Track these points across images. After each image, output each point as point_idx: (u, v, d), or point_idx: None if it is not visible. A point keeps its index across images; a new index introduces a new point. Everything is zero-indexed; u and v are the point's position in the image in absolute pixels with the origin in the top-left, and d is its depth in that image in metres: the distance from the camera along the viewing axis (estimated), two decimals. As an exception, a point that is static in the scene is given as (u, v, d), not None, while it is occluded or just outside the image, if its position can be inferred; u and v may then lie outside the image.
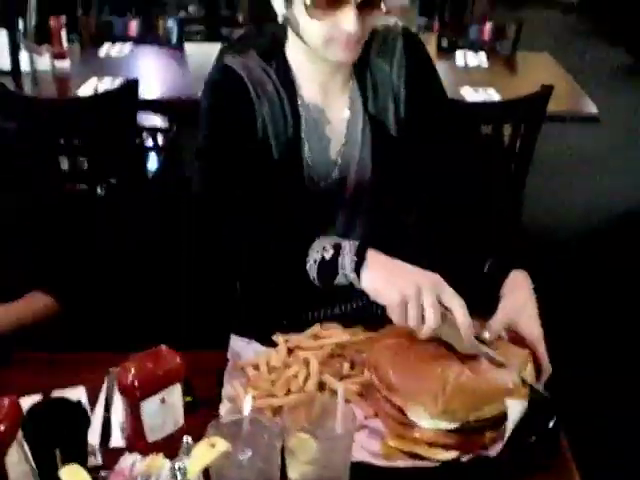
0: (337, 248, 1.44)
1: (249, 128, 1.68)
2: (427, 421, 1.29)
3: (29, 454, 1.18)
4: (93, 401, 1.44)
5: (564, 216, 4.49)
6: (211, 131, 1.72)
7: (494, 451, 1.29)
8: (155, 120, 3.87)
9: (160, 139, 3.82)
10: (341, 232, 1.75)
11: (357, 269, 1.41)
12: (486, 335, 1.43)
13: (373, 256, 1.43)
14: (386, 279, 1.40)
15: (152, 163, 3.71)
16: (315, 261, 1.45)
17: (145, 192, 3.30)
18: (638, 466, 2.70)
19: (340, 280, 1.44)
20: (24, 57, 3.63)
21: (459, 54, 3.89)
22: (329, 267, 1.44)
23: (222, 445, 1.10)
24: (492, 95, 3.29)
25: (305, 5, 1.49)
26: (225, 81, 1.69)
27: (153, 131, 3.81)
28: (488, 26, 4.10)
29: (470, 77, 3.58)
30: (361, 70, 1.73)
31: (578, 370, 2.99)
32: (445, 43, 4.23)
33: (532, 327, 1.48)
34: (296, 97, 1.70)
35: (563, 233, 4.32)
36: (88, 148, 3.15)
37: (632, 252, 4.06)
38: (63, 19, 3.70)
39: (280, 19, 1.60)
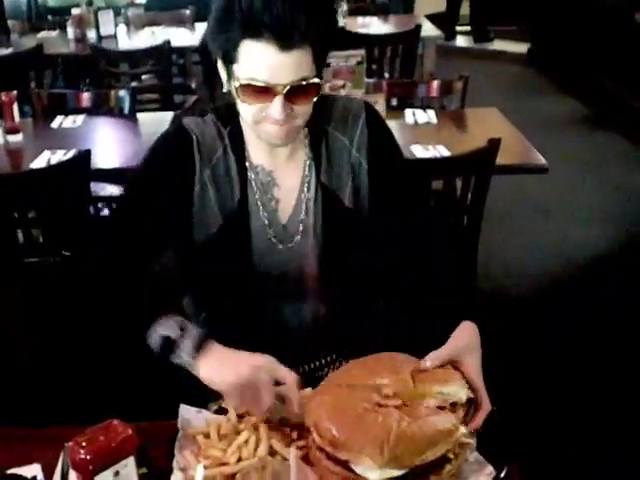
0: (183, 329, 1.52)
1: (183, 190, 1.71)
2: (374, 472, 1.29)
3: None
4: (50, 478, 1.42)
5: (517, 264, 4.54)
6: (137, 180, 1.77)
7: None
8: (111, 190, 3.88)
9: (116, 208, 3.82)
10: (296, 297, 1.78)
11: (195, 356, 1.49)
12: (427, 363, 1.47)
13: (212, 346, 1.50)
14: (220, 365, 1.47)
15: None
16: (160, 336, 1.52)
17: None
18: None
19: (177, 360, 1.51)
20: (-24, 133, 3.64)
21: (408, 112, 3.94)
22: (171, 345, 1.51)
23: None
24: (442, 151, 3.34)
25: (236, 88, 1.55)
26: (174, 139, 1.74)
27: (109, 201, 3.81)
28: (435, 83, 4.17)
29: (420, 134, 3.64)
30: (316, 139, 1.77)
31: (535, 416, 3.02)
32: (394, 102, 4.31)
33: (474, 365, 1.51)
34: (244, 160, 1.73)
35: (516, 281, 4.35)
36: (42, 220, 3.15)
37: (587, 299, 4.11)
38: (14, 94, 3.71)
39: (225, 89, 1.64)
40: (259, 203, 1.75)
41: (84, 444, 1.25)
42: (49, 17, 7.72)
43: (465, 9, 10.16)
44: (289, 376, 1.47)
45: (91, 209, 3.52)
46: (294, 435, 1.44)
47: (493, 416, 1.48)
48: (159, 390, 1.78)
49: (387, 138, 1.84)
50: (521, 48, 9.65)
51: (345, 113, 1.79)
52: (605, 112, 7.10)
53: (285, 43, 1.47)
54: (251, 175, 1.74)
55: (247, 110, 1.59)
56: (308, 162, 1.77)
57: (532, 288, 4.25)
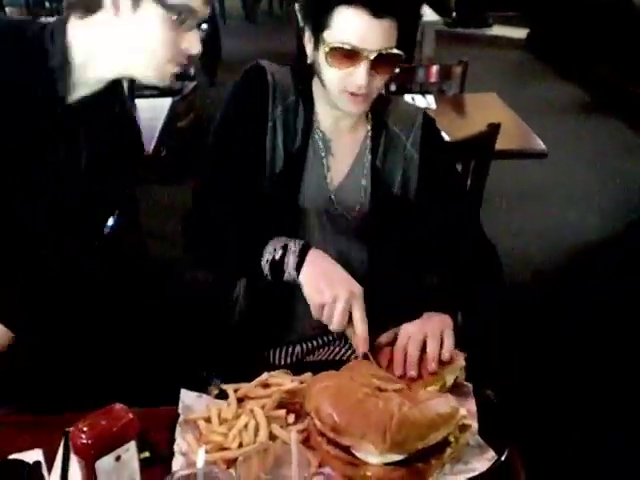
0: (285, 248, 1.61)
1: (259, 124, 1.79)
2: (376, 456, 1.30)
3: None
4: (51, 463, 1.42)
5: (516, 249, 4.52)
6: (221, 119, 1.82)
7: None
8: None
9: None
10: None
11: (298, 268, 1.59)
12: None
13: (312, 256, 1.60)
14: (315, 281, 1.58)
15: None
16: (267, 261, 1.62)
17: (101, 249, 3.28)
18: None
19: (287, 278, 1.62)
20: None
21: (407, 98, 3.92)
22: (278, 266, 1.61)
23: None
24: (441, 136, 3.32)
25: (325, 53, 1.64)
26: (251, 73, 1.81)
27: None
28: (434, 68, 4.16)
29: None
30: (378, 130, 1.87)
31: (537, 401, 3.02)
32: (393, 87, 4.29)
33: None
34: (312, 117, 1.83)
35: (515, 266, 4.31)
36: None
37: (586, 283, 4.11)
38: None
39: (309, 60, 1.74)
40: (314, 160, 1.84)
41: (85, 429, 1.24)
42: (47, 4, 7.68)
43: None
44: (358, 314, 1.55)
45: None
46: (290, 419, 1.44)
47: (490, 400, 1.50)
48: (159, 376, 1.79)
49: (438, 142, 1.95)
50: (520, 33, 9.64)
51: (404, 113, 1.91)
52: (604, 98, 7.08)
53: (376, 11, 1.58)
54: (316, 133, 1.83)
55: (333, 76, 1.67)
56: (368, 144, 1.87)
57: (531, 273, 4.24)
